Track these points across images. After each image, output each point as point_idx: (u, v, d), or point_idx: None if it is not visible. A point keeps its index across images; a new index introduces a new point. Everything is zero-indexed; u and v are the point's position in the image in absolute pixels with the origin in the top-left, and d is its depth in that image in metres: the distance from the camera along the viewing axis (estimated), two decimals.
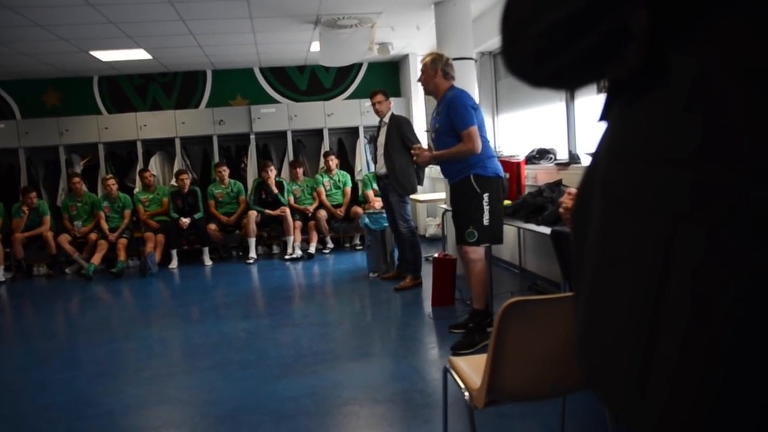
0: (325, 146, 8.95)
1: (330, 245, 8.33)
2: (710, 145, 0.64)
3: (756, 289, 0.61)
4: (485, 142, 4.02)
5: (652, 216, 0.68)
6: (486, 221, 3.97)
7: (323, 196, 8.28)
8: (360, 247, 8.22)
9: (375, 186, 7.85)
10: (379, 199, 7.69)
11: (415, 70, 8.88)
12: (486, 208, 3.96)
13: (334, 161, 8.40)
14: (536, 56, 0.73)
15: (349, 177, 8.56)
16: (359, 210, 7.93)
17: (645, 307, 0.69)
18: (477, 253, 4.06)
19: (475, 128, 3.93)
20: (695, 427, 0.66)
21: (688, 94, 0.67)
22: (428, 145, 4.34)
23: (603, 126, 0.82)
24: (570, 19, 0.68)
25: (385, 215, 6.29)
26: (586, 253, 0.81)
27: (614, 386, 0.75)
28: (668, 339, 0.66)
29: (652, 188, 0.68)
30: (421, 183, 5.87)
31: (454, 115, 3.96)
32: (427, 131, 5.81)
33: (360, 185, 8.62)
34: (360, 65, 9.62)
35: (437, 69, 4.10)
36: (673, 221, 0.66)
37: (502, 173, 4.13)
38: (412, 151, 4.54)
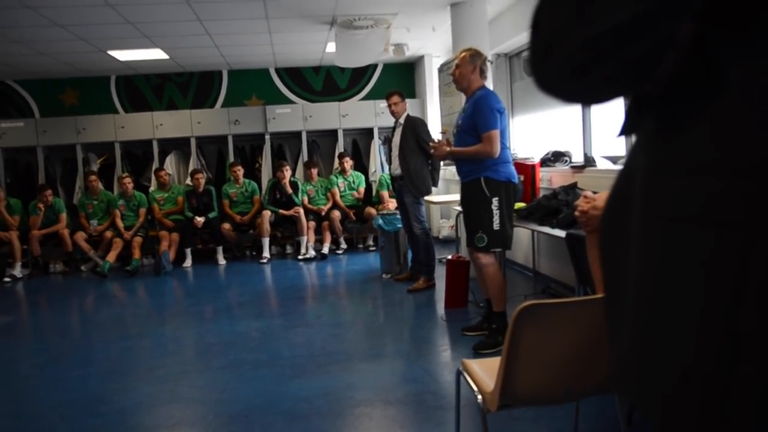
0: (340, 147, 8.97)
1: (343, 246, 8.34)
2: None
3: None
4: (504, 147, 3.96)
5: (719, 231, 0.65)
6: (496, 226, 3.94)
7: (337, 197, 8.29)
8: (373, 248, 8.20)
9: (390, 187, 7.85)
10: (394, 200, 7.69)
11: (430, 71, 8.87)
12: (496, 212, 3.92)
13: (348, 162, 8.41)
14: (574, 71, 0.68)
15: (363, 178, 8.56)
16: (372, 211, 7.93)
17: (720, 327, 0.65)
18: (487, 257, 4.04)
19: (496, 132, 3.87)
20: None
21: (752, 106, 0.64)
22: (446, 139, 4.29)
23: (624, 139, 0.80)
24: (615, 31, 0.63)
25: (398, 216, 6.28)
26: (630, 270, 0.76)
27: (685, 412, 0.70)
28: (749, 360, 0.63)
29: (717, 202, 0.65)
30: (435, 184, 5.85)
31: (478, 116, 3.91)
32: (442, 132, 5.80)
33: (374, 186, 8.62)
34: (375, 66, 9.62)
35: (476, 65, 4.01)
36: (745, 234, 0.62)
37: (515, 179, 4.08)
38: (431, 144, 4.50)
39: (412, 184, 5.61)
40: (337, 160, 8.63)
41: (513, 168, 4.09)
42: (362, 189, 8.43)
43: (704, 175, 0.66)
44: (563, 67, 0.69)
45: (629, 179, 0.78)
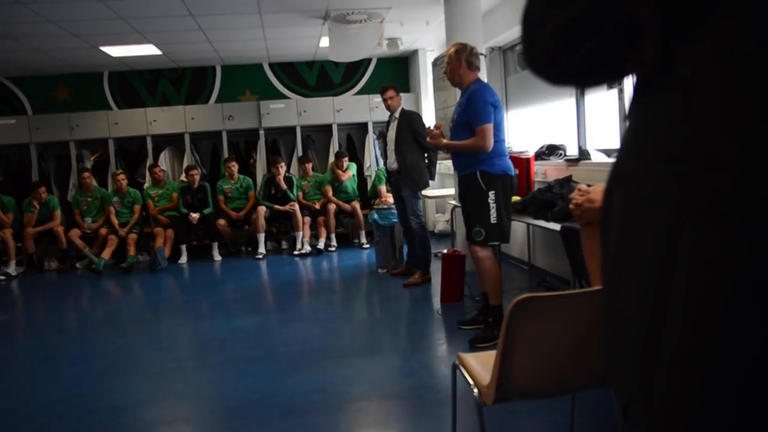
0: (334, 142, 8.94)
1: (334, 244, 8.18)
2: (706, 140, 0.65)
3: (748, 281, 0.62)
4: (499, 141, 3.95)
5: (656, 210, 0.70)
6: (493, 219, 3.93)
7: (330, 194, 8.26)
8: (367, 246, 8.10)
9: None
10: (390, 195, 7.69)
11: (424, 65, 8.86)
12: (492, 206, 3.92)
13: (346, 163, 8.32)
14: (552, 55, 0.75)
15: (354, 166, 8.50)
16: (356, 206, 8.08)
17: (651, 300, 0.70)
18: (484, 251, 4.04)
19: (489, 126, 3.86)
20: (698, 420, 0.67)
21: (687, 90, 0.68)
22: (439, 129, 4.29)
23: (618, 132, 0.84)
24: (575, 19, 0.70)
25: (394, 211, 6.28)
26: (607, 251, 0.82)
27: (625, 380, 0.77)
28: (672, 332, 0.68)
29: (656, 183, 0.70)
30: (432, 178, 5.85)
31: (472, 110, 3.91)
32: (437, 126, 5.79)
33: (369, 180, 8.61)
34: (369, 61, 9.60)
35: (461, 59, 4.01)
36: (675, 214, 0.67)
37: (511, 171, 4.07)
38: (428, 130, 4.50)
39: (409, 178, 5.60)
40: (332, 157, 8.59)
41: (509, 161, 4.09)
42: (350, 173, 8.37)
43: (654, 158, 0.72)
44: (541, 54, 0.77)
45: (618, 160, 0.83)
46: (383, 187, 7.74)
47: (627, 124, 0.81)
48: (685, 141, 0.67)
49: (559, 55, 0.74)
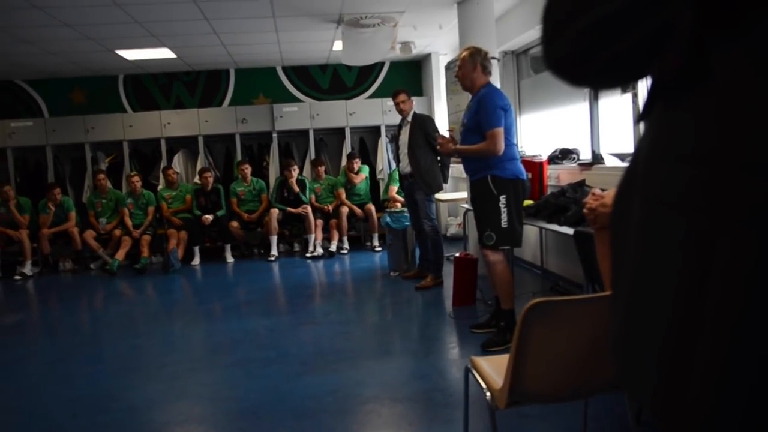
0: (347, 145, 8.97)
1: (346, 247, 8.18)
2: (743, 146, 0.64)
3: None
4: (510, 144, 3.95)
5: (684, 216, 0.68)
6: (504, 224, 3.93)
7: (343, 197, 8.28)
8: (379, 249, 8.10)
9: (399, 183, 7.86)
10: (400, 197, 7.70)
11: (437, 69, 8.86)
12: (503, 210, 3.91)
13: (358, 164, 8.35)
14: (576, 56, 0.73)
15: (366, 169, 8.53)
16: (371, 207, 8.08)
17: (681, 309, 0.69)
18: (496, 255, 4.03)
19: (500, 130, 3.86)
20: (735, 429, 0.65)
21: (723, 96, 0.67)
22: (451, 136, 4.29)
23: (641, 126, 0.82)
24: (608, 19, 0.68)
25: (406, 214, 6.28)
26: (626, 255, 0.80)
27: (647, 387, 0.75)
28: (708, 340, 0.66)
29: (693, 189, 0.68)
30: (446, 181, 5.85)
31: (482, 114, 3.91)
32: (449, 130, 5.79)
33: (381, 184, 8.61)
34: (382, 64, 9.62)
35: (476, 63, 4.01)
36: (708, 221, 0.66)
37: (523, 175, 4.06)
38: (438, 139, 4.51)
39: (422, 181, 5.60)
40: (344, 159, 8.62)
41: (521, 165, 4.08)
42: (363, 176, 8.40)
43: (684, 162, 0.69)
44: (567, 53, 0.74)
45: (635, 163, 0.82)
46: (394, 187, 7.77)
47: (644, 127, 0.80)
48: (720, 147, 0.66)
49: (584, 55, 0.72)
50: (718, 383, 0.66)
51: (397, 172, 7.97)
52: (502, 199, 3.92)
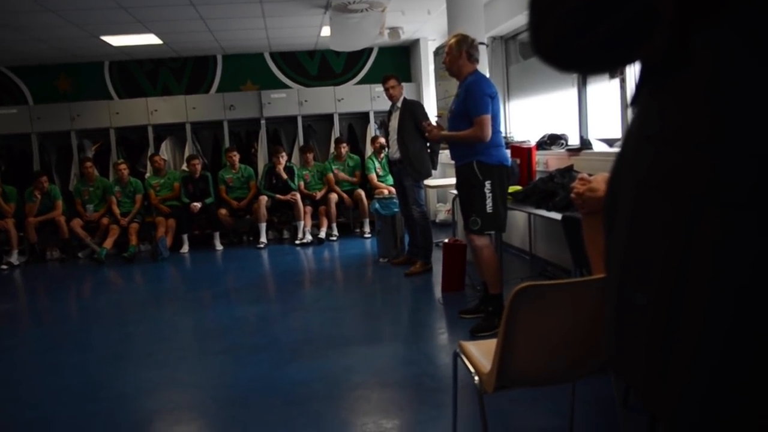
0: (336, 131, 8.94)
1: (335, 233, 8.20)
2: (729, 129, 0.64)
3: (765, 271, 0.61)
4: (496, 132, 3.99)
5: (676, 199, 0.69)
6: (489, 209, 3.97)
7: (333, 183, 8.27)
8: (368, 236, 8.12)
9: (377, 169, 7.89)
10: (383, 184, 7.73)
11: (426, 54, 8.83)
12: (488, 195, 3.96)
13: (345, 148, 8.37)
14: (562, 40, 0.74)
15: (359, 160, 8.54)
16: (360, 192, 8.11)
17: (668, 290, 0.69)
18: (482, 240, 4.06)
19: (487, 117, 3.90)
20: (714, 410, 0.66)
21: (709, 78, 0.67)
22: (438, 123, 4.30)
23: (630, 111, 0.83)
24: (593, 2, 0.69)
25: (395, 200, 6.28)
26: (616, 239, 0.81)
27: (638, 369, 0.76)
28: (688, 322, 0.67)
29: (675, 172, 0.69)
30: (435, 167, 5.85)
31: (470, 101, 3.94)
32: (438, 116, 5.79)
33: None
34: (370, 50, 9.58)
35: (462, 51, 4.02)
36: (695, 204, 0.66)
37: (508, 162, 4.12)
38: (425, 125, 4.53)
39: (411, 167, 5.61)
40: (333, 145, 8.61)
41: (505, 151, 4.14)
42: (359, 173, 8.40)
43: (668, 144, 0.70)
44: (553, 39, 0.75)
45: (625, 148, 0.83)
46: (373, 176, 7.79)
47: (633, 112, 0.81)
48: (704, 130, 0.66)
49: (570, 39, 0.73)
50: (691, 365, 0.67)
51: (371, 161, 7.98)
52: (487, 184, 3.95)
